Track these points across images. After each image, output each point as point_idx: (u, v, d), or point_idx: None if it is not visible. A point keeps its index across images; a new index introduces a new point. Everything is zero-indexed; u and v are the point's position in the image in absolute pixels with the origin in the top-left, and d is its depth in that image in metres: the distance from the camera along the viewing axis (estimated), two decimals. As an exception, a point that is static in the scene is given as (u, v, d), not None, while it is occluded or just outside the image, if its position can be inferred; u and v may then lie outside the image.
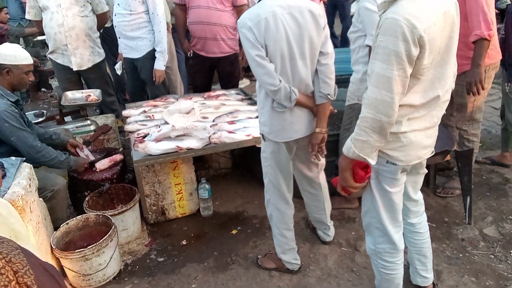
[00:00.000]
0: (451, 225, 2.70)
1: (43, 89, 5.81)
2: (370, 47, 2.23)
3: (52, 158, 2.44)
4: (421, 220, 1.97)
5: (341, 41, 6.39)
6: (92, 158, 2.80)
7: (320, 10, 1.92)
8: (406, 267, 2.15)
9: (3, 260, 0.56)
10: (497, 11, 5.91)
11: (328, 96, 1.99)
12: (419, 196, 1.94)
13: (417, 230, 1.97)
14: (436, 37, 1.41)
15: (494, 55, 2.67)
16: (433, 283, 2.11)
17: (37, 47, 5.91)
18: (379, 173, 1.67)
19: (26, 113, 2.70)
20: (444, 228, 2.68)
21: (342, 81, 3.60)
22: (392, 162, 1.62)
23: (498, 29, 2.82)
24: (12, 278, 0.55)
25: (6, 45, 2.49)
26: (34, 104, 5.47)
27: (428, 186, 3.08)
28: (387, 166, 1.64)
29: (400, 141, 1.59)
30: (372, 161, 1.56)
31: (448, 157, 2.81)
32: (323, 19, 1.92)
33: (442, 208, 2.89)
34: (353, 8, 7.57)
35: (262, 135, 2.11)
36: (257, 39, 1.84)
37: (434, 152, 1.76)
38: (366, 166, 1.66)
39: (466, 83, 2.54)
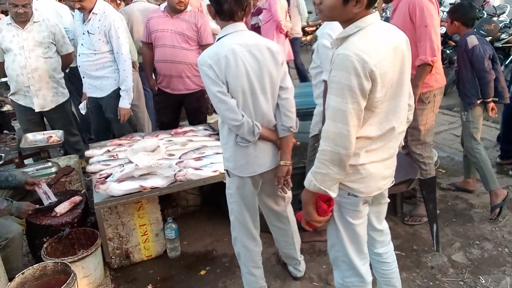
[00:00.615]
0: (420, 253, 2.71)
1: (5, 131, 5.62)
2: (325, 81, 2.31)
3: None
4: (387, 250, 1.97)
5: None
6: (51, 195, 2.69)
7: (277, 47, 1.98)
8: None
9: None
10: (453, 43, 6.32)
11: (291, 128, 2.02)
12: (384, 225, 1.94)
13: (384, 260, 1.96)
14: (387, 71, 1.46)
15: (440, 79, 2.86)
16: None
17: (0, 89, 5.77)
18: (342, 206, 1.67)
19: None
20: (414, 256, 2.68)
21: (308, 114, 3.69)
22: (353, 194, 1.63)
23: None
24: None
25: None
26: (-5, 146, 5.26)
27: (396, 214, 3.12)
28: (348, 198, 1.64)
29: (359, 173, 1.61)
30: (333, 194, 1.56)
31: (412, 186, 2.87)
32: (281, 56, 1.98)
33: (410, 236, 2.90)
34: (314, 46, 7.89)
35: (227, 171, 2.09)
36: (217, 76, 1.86)
37: (394, 182, 1.78)
38: (329, 199, 1.66)
39: None
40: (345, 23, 1.50)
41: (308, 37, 9.89)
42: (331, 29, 2.28)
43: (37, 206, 2.64)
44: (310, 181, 1.55)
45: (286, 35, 5.93)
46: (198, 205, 3.38)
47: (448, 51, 6.37)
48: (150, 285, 2.54)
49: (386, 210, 1.91)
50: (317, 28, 10.17)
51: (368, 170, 1.60)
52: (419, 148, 2.90)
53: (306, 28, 9.66)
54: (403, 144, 1.97)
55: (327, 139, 1.49)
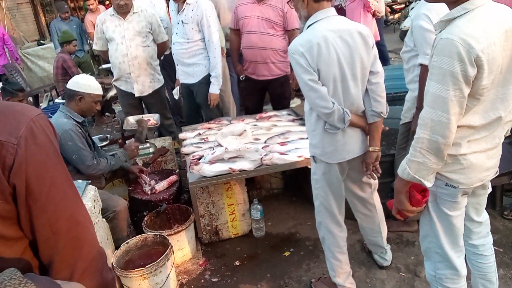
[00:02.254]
0: (521, 250, 2.49)
1: (106, 114, 6.24)
2: (422, 65, 2.19)
3: (106, 167, 2.67)
4: (485, 242, 1.85)
5: None
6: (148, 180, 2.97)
7: (368, 31, 1.93)
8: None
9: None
10: None
11: (381, 114, 1.98)
12: (483, 217, 1.83)
13: (481, 252, 1.85)
14: (496, 57, 1.35)
15: None
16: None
17: (101, 75, 6.39)
18: (438, 196, 1.61)
19: (92, 137, 2.94)
20: (514, 254, 2.48)
21: (397, 98, 3.53)
22: (451, 185, 1.56)
23: None
24: None
25: (83, 75, 2.76)
26: (98, 127, 5.88)
27: (494, 208, 2.88)
28: (446, 189, 1.57)
29: (459, 163, 1.53)
30: (429, 184, 1.51)
31: (516, 178, 2.63)
32: (371, 39, 1.92)
33: (510, 231, 2.68)
34: (407, 23, 7.40)
35: (313, 157, 2.11)
36: (309, 64, 1.87)
37: (498, 173, 1.66)
38: (424, 190, 1.60)
39: None
40: (452, 4, 1.40)
41: (396, 15, 9.33)
42: (428, 9, 2.14)
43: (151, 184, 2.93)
44: (404, 169, 1.51)
45: (374, 14, 5.65)
46: (281, 188, 3.46)
47: None
48: (238, 261, 2.70)
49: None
50: (406, 6, 9.55)
51: (469, 161, 1.52)
52: None
53: (394, 6, 9.12)
54: (509, 133, 1.81)
55: (424, 126, 1.43)
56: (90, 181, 2.37)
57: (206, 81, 3.59)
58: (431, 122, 1.41)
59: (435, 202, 1.62)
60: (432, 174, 1.52)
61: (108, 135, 3.79)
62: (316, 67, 1.86)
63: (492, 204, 2.89)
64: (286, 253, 2.73)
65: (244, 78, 3.78)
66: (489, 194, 2.61)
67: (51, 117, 2.78)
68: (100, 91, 2.64)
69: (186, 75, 3.70)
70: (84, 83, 2.57)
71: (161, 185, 2.95)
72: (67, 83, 2.67)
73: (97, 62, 7.82)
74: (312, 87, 1.87)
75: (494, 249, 2.46)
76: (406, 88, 2.49)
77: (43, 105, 6.37)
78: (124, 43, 3.69)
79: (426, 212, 1.67)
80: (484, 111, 1.47)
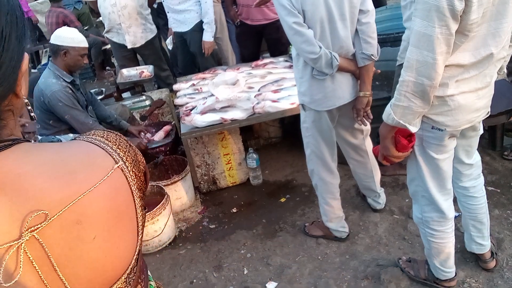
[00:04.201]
0: (518, 191, 2.48)
1: (107, 68, 6.16)
2: None
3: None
4: (476, 184, 1.83)
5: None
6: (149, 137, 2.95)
7: None
8: (462, 234, 2.05)
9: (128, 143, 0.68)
10: None
11: (372, 56, 1.88)
12: (475, 159, 1.79)
13: (471, 194, 1.84)
14: None
15: None
16: (492, 252, 1.98)
17: (99, 28, 6.23)
18: (424, 140, 1.57)
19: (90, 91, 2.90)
20: (510, 193, 2.47)
21: (399, 39, 3.38)
22: (438, 128, 1.51)
23: None
24: (134, 156, 0.67)
25: (65, 28, 2.65)
26: (100, 82, 5.84)
27: (494, 148, 2.84)
28: (432, 132, 1.53)
29: (446, 104, 1.47)
30: (414, 129, 1.46)
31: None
32: None
33: (509, 172, 2.65)
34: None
35: (302, 105, 2.06)
36: (293, 5, 1.76)
37: (489, 113, 1.60)
38: (410, 134, 1.57)
39: None
40: None
41: None
42: None
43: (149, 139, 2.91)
44: (389, 114, 1.46)
45: None
46: (279, 137, 3.45)
47: None
48: (235, 208, 2.76)
49: (483, 143, 1.75)
50: None
51: (457, 102, 1.46)
52: None
53: None
54: (505, 71, 1.72)
55: (409, 68, 1.36)
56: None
57: (198, 28, 3.47)
58: (416, 63, 1.34)
59: (421, 146, 1.59)
60: (418, 118, 1.47)
61: (104, 89, 3.76)
62: (300, 8, 1.76)
63: (493, 144, 2.84)
64: (282, 200, 2.78)
65: (238, 23, 3.64)
66: (489, 135, 2.55)
67: None
68: (85, 44, 2.56)
69: (178, 23, 3.57)
70: (67, 36, 2.48)
71: (159, 135, 2.96)
72: None
73: (95, 14, 7.59)
74: (297, 31, 1.78)
75: (491, 189, 2.48)
76: (401, 28, 2.36)
77: (43, 61, 6.30)
78: (112, -8, 3.54)
79: (412, 156, 1.64)
80: (474, 48, 1.39)
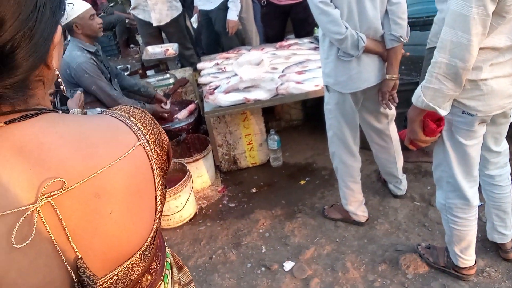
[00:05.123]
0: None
1: (132, 45, 6.21)
2: None
3: (129, 102, 2.64)
4: (502, 173, 1.79)
5: None
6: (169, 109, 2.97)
7: None
8: (484, 224, 2.02)
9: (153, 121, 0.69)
10: None
11: (401, 38, 1.83)
12: (502, 147, 1.75)
13: (497, 183, 1.80)
14: None
15: None
16: (514, 243, 1.94)
17: (124, 5, 6.25)
18: (453, 124, 1.54)
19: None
20: (537, 186, 2.40)
21: (429, 23, 3.27)
22: (468, 113, 1.48)
23: None
24: (158, 134, 0.68)
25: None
26: (124, 60, 5.89)
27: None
28: (462, 116, 1.49)
29: (479, 89, 1.43)
30: (444, 112, 1.43)
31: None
32: None
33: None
34: None
35: (326, 86, 2.04)
36: None
37: (523, 100, 1.54)
38: (439, 119, 1.53)
39: None
40: None
41: None
42: None
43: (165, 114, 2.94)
44: (419, 96, 1.44)
45: None
46: (301, 119, 3.43)
47: None
48: (255, 189, 2.78)
49: (509, 131, 1.71)
50: None
51: (490, 86, 1.42)
52: None
53: None
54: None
55: (442, 49, 1.33)
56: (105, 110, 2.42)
57: (224, 6, 3.45)
58: (451, 44, 1.31)
59: (450, 131, 1.56)
60: (449, 102, 1.44)
61: (129, 66, 3.80)
62: None
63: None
64: (302, 182, 2.78)
65: (265, 2, 3.59)
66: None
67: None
68: (85, 5, 2.50)
69: (204, 0, 3.55)
70: (67, 11, 2.45)
71: (183, 114, 2.99)
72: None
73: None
74: (323, 10, 1.75)
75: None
76: (432, 11, 2.29)
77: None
78: (139, -31, 3.54)
79: (440, 141, 1.62)
80: (511, 31, 1.34)
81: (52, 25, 0.56)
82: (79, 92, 2.06)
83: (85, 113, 2.05)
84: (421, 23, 3.20)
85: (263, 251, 2.25)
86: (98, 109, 2.38)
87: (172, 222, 2.49)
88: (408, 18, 1.88)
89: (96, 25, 2.54)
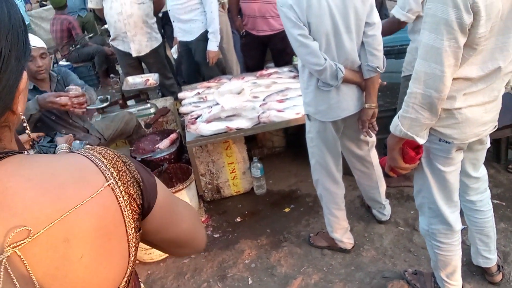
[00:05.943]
0: (523, 204, 2.47)
1: (111, 75, 6.18)
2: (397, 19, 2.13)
3: None
4: (482, 198, 1.83)
5: None
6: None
7: None
8: (468, 247, 2.04)
9: (116, 156, 0.66)
10: None
11: (377, 69, 1.89)
12: (481, 173, 1.79)
13: (478, 208, 1.83)
14: (494, 1, 1.26)
15: None
16: (498, 265, 1.97)
17: (103, 36, 6.27)
18: (431, 152, 1.57)
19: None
20: (515, 207, 2.46)
21: (403, 51, 3.40)
22: (445, 140, 1.51)
23: None
24: (122, 166, 0.65)
25: None
26: (104, 89, 5.85)
27: (499, 161, 2.84)
28: (439, 144, 1.53)
29: (454, 117, 1.47)
30: (422, 140, 1.47)
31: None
32: None
33: (514, 185, 2.65)
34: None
35: (307, 115, 2.07)
36: (299, 18, 1.77)
37: (496, 127, 1.60)
38: (418, 146, 1.57)
39: None
40: None
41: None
42: None
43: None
44: (397, 126, 1.47)
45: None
46: (283, 146, 3.45)
47: None
48: (239, 218, 2.75)
49: (488, 156, 1.75)
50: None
51: (464, 115, 1.46)
52: None
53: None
54: (512, 84, 1.73)
55: (417, 80, 1.37)
56: (87, 142, 2.38)
57: (203, 38, 3.50)
58: (425, 75, 1.35)
59: (428, 158, 1.59)
60: (426, 130, 1.47)
61: (109, 96, 3.77)
62: (306, 20, 1.77)
63: (497, 157, 2.84)
64: (286, 209, 2.77)
65: (244, 33, 3.67)
66: (493, 148, 2.55)
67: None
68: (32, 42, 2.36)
69: (183, 32, 3.60)
70: None
71: (164, 144, 2.96)
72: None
73: (100, 22, 7.65)
74: (302, 43, 1.79)
75: (496, 203, 2.47)
76: (405, 40, 2.39)
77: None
78: (118, 1, 3.58)
79: (419, 168, 1.65)
80: (482, 61, 1.40)
81: (17, 73, 0.56)
82: (69, 135, 2.02)
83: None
84: (395, 51, 3.32)
85: (249, 283, 2.21)
86: (77, 142, 2.33)
87: (155, 256, 2.43)
88: (383, 47, 1.95)
89: (35, 68, 2.32)
